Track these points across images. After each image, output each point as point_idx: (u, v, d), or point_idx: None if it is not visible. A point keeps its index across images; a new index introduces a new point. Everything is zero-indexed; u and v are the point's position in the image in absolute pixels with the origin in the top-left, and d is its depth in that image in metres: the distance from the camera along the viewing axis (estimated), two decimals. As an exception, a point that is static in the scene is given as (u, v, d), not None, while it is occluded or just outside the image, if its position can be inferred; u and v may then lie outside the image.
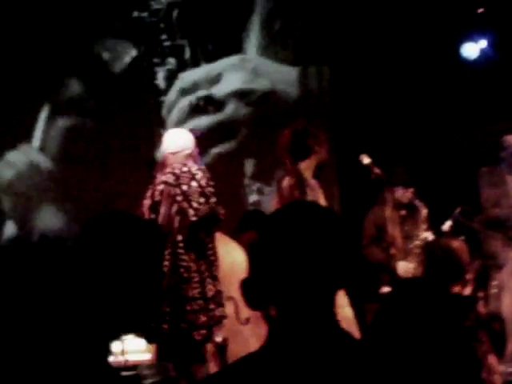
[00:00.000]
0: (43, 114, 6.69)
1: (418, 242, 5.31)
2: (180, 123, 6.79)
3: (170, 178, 4.27)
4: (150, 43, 7.07)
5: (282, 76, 7.31)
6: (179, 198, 4.21)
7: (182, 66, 7.17)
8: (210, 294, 4.22)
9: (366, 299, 4.88)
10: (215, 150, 6.96)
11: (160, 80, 7.08)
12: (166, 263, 4.07)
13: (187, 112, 7.01)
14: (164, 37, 7.11)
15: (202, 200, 4.20)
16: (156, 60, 7.10)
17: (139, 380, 4.21)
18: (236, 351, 4.68)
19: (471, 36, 6.96)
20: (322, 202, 4.47)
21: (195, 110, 7.03)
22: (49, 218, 6.47)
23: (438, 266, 3.13)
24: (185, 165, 4.32)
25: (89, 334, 1.61)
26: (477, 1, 6.96)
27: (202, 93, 7.10)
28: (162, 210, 4.22)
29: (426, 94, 7.05)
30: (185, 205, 4.18)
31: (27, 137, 6.63)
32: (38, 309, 3.41)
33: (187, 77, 7.13)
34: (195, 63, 7.19)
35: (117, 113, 6.78)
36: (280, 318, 1.57)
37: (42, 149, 6.66)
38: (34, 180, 6.53)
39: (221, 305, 4.27)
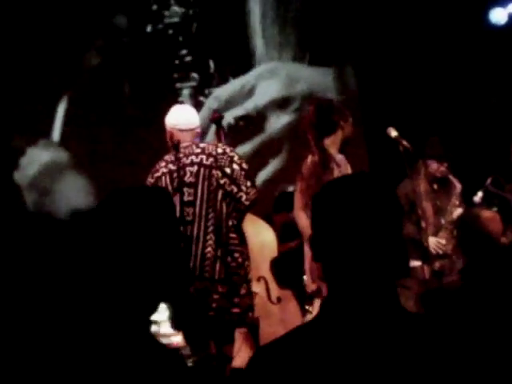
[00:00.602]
0: (61, 107, 6.60)
1: (449, 218, 5.23)
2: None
3: (208, 160, 4.10)
4: (168, 58, 6.80)
5: (318, 78, 7.14)
6: (224, 181, 4.08)
7: (207, 82, 6.86)
8: (249, 276, 4.17)
9: (396, 274, 4.84)
10: (262, 173, 6.77)
11: (185, 97, 6.77)
12: (210, 249, 3.98)
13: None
14: (184, 51, 6.82)
15: (248, 183, 4.10)
16: (177, 75, 6.81)
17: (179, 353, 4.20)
18: (267, 331, 4.68)
19: (499, 1, 6.82)
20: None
21: (234, 131, 6.66)
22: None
23: (469, 236, 3.07)
24: (216, 146, 4.18)
25: (126, 305, 1.61)
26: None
27: (238, 111, 6.82)
28: (199, 192, 4.06)
29: (455, 62, 6.93)
30: (234, 189, 4.07)
31: (47, 132, 6.54)
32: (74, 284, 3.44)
33: (220, 94, 6.83)
34: (222, 78, 6.92)
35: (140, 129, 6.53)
36: (334, 290, 1.56)
37: (63, 143, 6.53)
38: (56, 175, 6.44)
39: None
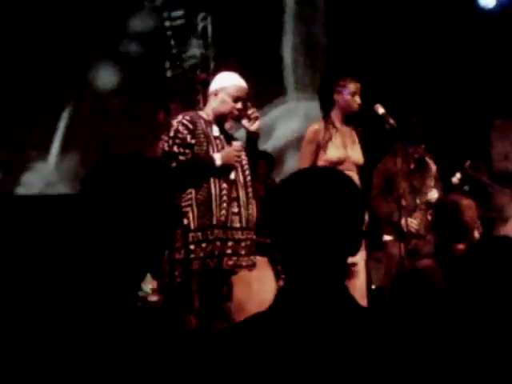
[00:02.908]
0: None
1: (424, 199, 5.32)
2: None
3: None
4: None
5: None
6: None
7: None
8: None
9: (370, 246, 5.01)
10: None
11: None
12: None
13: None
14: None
15: None
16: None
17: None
18: (239, 295, 4.79)
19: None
20: (352, 149, 4.72)
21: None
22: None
23: (444, 222, 3.15)
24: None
25: (114, 277, 1.59)
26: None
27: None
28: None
29: (442, 43, 6.98)
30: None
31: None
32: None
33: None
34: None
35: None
36: (288, 280, 1.60)
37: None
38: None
39: None
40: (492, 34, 6.87)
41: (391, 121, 4.64)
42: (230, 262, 4.14)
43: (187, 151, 4.11)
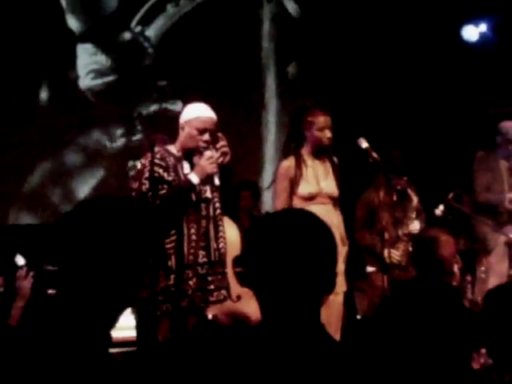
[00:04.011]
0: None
1: (406, 230, 5.37)
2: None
3: None
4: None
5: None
6: None
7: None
8: None
9: (353, 277, 5.04)
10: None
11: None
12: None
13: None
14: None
15: None
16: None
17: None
18: (247, 309, 4.77)
19: (471, 19, 6.96)
20: (326, 181, 4.70)
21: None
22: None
23: (423, 257, 3.19)
24: None
25: (88, 321, 1.63)
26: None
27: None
28: None
29: (426, 76, 7.07)
30: None
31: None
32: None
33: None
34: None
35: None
36: (264, 318, 1.66)
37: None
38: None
39: None
40: (476, 67, 6.97)
41: (374, 155, 4.68)
42: (197, 300, 4.08)
43: (165, 187, 4.03)
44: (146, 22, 7.34)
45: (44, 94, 6.94)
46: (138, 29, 7.33)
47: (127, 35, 7.30)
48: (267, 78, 7.72)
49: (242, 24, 7.45)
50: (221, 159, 4.05)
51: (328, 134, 4.63)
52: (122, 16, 7.24)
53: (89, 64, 7.13)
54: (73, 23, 7.11)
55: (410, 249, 5.19)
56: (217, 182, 4.10)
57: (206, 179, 4.05)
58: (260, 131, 7.69)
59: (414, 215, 5.38)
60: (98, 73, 7.17)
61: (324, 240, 1.65)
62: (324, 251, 1.64)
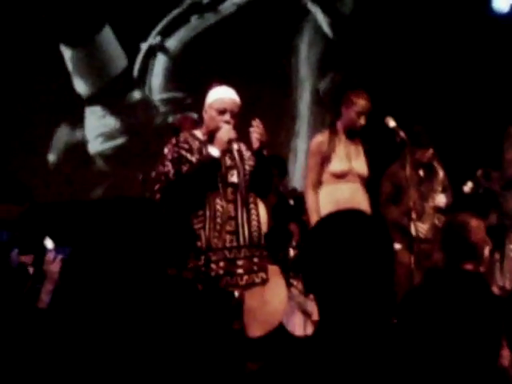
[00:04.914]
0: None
1: (432, 204, 5.33)
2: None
3: None
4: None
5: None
6: None
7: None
8: None
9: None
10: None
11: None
12: None
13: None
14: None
15: None
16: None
17: None
18: (251, 305, 4.81)
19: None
20: (356, 160, 4.74)
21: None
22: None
23: (453, 243, 3.15)
24: None
25: None
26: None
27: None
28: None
29: (455, 48, 6.96)
30: None
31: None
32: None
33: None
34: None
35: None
36: (324, 321, 1.64)
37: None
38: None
39: None
40: (506, 39, 6.84)
41: (402, 134, 4.65)
42: (223, 283, 4.04)
43: (188, 166, 4.02)
44: (166, 33, 7.25)
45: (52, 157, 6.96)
46: (158, 39, 7.24)
47: (136, 95, 7.20)
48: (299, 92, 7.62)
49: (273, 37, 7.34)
50: (254, 139, 4.02)
51: (362, 120, 4.69)
52: (130, 75, 7.16)
53: (98, 127, 7.05)
54: (80, 86, 7.03)
55: (437, 222, 5.21)
56: (235, 147, 4.11)
57: (226, 151, 4.04)
58: (293, 106, 7.61)
59: (440, 188, 5.35)
60: (108, 136, 7.09)
61: (383, 244, 1.64)
62: (384, 256, 1.62)
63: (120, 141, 7.11)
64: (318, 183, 4.71)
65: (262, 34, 7.25)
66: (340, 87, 5.01)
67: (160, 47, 7.27)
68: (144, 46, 7.21)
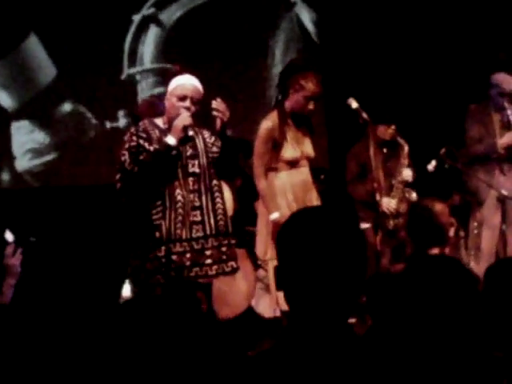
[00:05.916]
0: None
1: (399, 178, 5.40)
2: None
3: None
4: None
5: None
6: None
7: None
8: None
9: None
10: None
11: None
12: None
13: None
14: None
15: None
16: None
17: None
18: (220, 289, 4.82)
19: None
20: (304, 143, 4.62)
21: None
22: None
23: (420, 227, 3.19)
24: None
25: None
26: None
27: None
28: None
29: (415, 26, 6.97)
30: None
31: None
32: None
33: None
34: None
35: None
36: (294, 318, 1.64)
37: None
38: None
39: None
40: (465, 15, 6.87)
41: (364, 115, 4.66)
42: (191, 274, 4.00)
43: (145, 155, 3.96)
44: (160, 5, 7.14)
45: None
46: (151, 11, 7.12)
47: (67, 107, 6.91)
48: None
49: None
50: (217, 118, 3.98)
51: (311, 105, 4.50)
52: (59, 87, 6.88)
53: (25, 143, 6.81)
54: (5, 100, 6.76)
55: (407, 195, 5.27)
56: (190, 133, 4.04)
57: (185, 138, 3.99)
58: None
59: (406, 162, 5.40)
60: (36, 152, 6.86)
61: (355, 241, 1.63)
62: (355, 250, 1.63)
63: (50, 157, 6.90)
64: (269, 169, 4.60)
65: (244, 19, 7.19)
66: (289, 68, 4.73)
67: (153, 19, 7.17)
68: (137, 17, 7.11)
